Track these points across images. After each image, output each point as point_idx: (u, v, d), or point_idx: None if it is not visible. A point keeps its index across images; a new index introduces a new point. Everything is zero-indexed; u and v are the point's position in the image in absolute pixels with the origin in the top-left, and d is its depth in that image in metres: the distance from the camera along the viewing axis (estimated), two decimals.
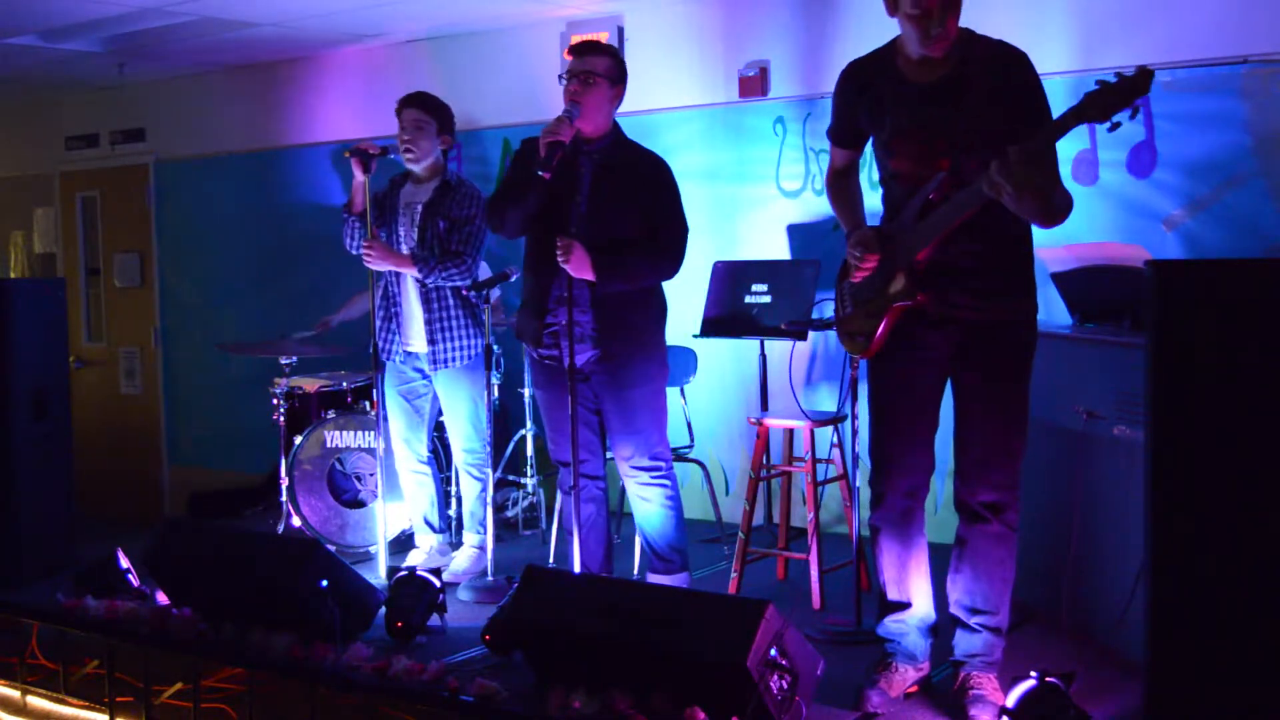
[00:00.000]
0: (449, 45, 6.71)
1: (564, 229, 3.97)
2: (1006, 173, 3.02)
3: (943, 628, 3.56)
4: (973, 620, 3.43)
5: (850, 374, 4.00)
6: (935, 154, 3.28)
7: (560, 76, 4.08)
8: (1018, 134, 3.14)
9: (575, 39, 6.10)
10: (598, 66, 4.02)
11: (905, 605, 3.52)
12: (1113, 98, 2.94)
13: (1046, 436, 4.00)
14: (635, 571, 4.74)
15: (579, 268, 3.92)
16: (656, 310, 4.19)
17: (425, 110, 4.85)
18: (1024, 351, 3.37)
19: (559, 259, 3.90)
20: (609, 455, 4.33)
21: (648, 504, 4.14)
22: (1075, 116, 2.99)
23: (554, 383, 4.12)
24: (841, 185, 3.63)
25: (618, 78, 4.09)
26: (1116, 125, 2.95)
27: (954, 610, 3.47)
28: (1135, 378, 3.19)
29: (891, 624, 3.53)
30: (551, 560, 5.08)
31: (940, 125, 3.27)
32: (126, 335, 8.44)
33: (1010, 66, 3.28)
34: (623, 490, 4.38)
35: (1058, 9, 4.97)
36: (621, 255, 3.97)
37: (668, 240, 4.06)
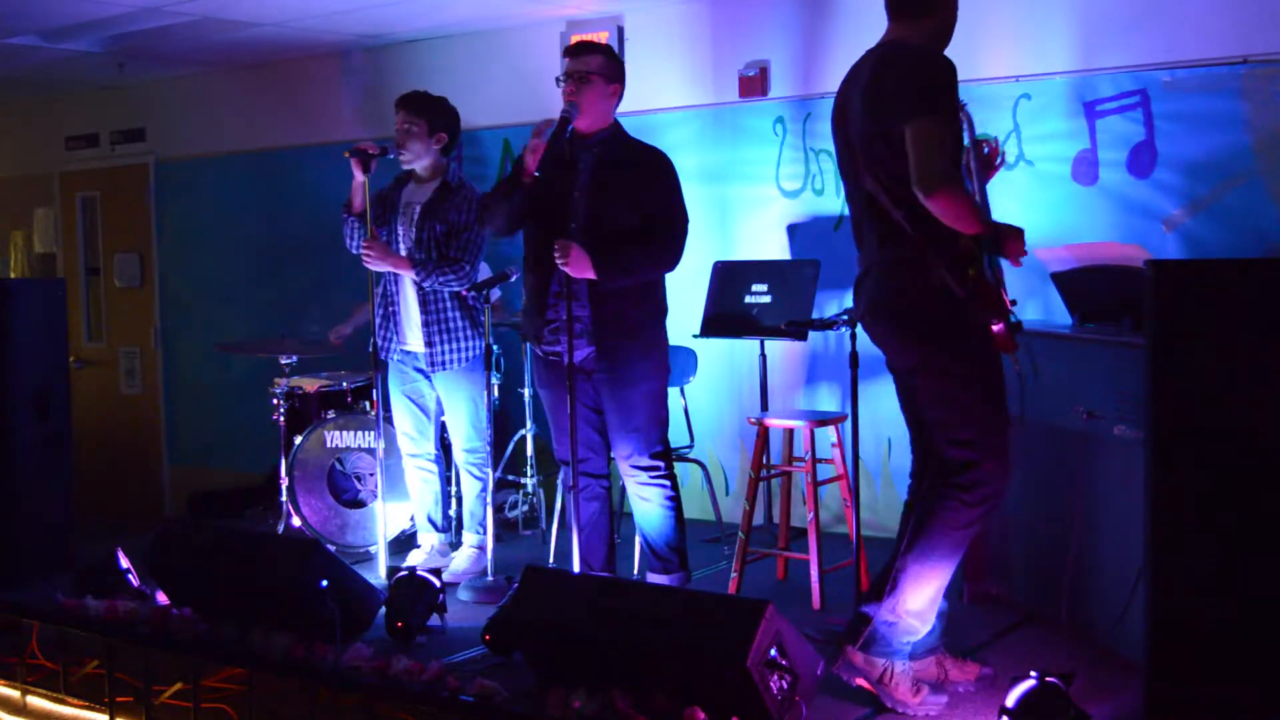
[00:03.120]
0: (449, 45, 6.70)
1: (563, 225, 3.99)
2: None
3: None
4: None
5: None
6: None
7: (557, 79, 4.12)
8: None
9: (575, 39, 6.11)
10: (591, 65, 4.07)
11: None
12: None
13: (1046, 436, 4.00)
14: (635, 571, 4.74)
15: (579, 268, 3.93)
16: (655, 308, 4.18)
17: (413, 112, 4.84)
18: None
19: (558, 261, 3.91)
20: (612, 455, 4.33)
21: (646, 503, 4.15)
22: None
23: (557, 380, 4.13)
24: None
25: (612, 75, 4.13)
26: None
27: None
28: (1135, 378, 3.19)
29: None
30: (551, 560, 5.08)
31: None
32: (126, 335, 8.44)
33: None
34: (624, 489, 4.37)
35: (1058, 9, 4.96)
36: (620, 250, 3.98)
37: (666, 232, 4.06)
